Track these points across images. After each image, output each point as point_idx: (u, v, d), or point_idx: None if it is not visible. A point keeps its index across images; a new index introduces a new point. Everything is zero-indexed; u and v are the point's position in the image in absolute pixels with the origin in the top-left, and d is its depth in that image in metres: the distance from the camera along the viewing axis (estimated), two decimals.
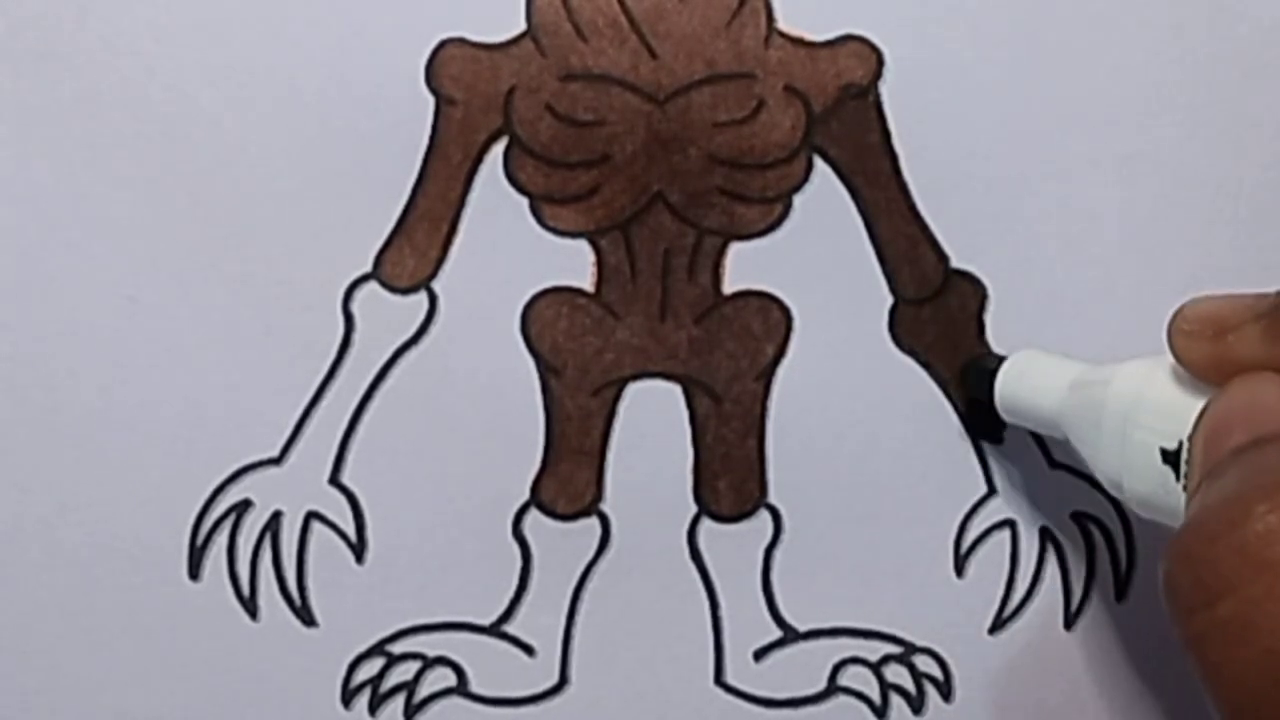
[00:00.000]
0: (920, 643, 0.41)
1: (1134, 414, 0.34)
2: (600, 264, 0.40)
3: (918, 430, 0.41)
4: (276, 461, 0.40)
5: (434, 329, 0.40)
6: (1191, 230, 0.41)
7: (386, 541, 0.40)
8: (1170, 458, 0.33)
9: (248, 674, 0.40)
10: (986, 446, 0.41)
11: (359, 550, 0.40)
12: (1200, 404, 0.32)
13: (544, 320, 0.40)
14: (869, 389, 0.41)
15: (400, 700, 0.40)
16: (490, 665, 0.40)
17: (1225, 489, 0.28)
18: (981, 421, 0.41)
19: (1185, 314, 0.33)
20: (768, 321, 0.41)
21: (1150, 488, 0.33)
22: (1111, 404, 0.35)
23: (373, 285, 0.40)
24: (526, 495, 0.41)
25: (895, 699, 0.41)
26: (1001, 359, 0.40)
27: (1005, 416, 0.39)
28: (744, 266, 0.41)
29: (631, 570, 0.41)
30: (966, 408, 0.41)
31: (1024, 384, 0.39)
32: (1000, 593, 0.41)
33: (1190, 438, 0.32)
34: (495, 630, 0.41)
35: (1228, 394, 0.31)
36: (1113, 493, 0.35)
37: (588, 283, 0.41)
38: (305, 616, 0.40)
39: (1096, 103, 0.41)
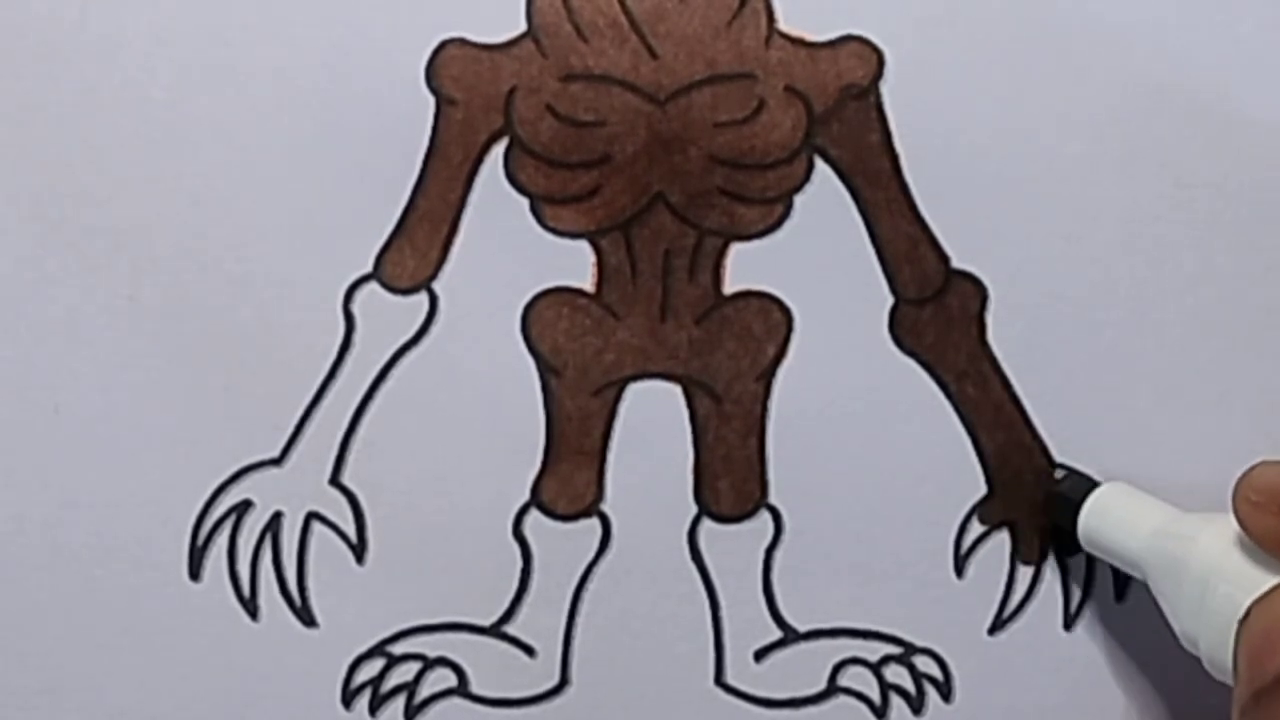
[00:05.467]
0: (920, 643, 0.41)
1: (1214, 580, 0.34)
2: (601, 264, 0.40)
3: (918, 430, 0.41)
4: (277, 462, 0.40)
5: (434, 329, 0.40)
6: (1192, 230, 0.41)
7: (387, 542, 0.40)
8: None
9: (248, 674, 0.40)
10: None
11: (359, 551, 0.40)
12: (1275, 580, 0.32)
13: (544, 321, 0.40)
14: (869, 389, 0.41)
15: (401, 701, 0.40)
16: (491, 666, 0.40)
17: None
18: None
19: (1252, 480, 0.33)
20: (768, 322, 0.41)
21: (1226, 655, 0.33)
22: (1193, 565, 0.35)
23: (373, 286, 0.40)
24: (527, 496, 0.40)
25: (895, 699, 0.41)
26: (1086, 485, 0.39)
27: (1086, 548, 0.39)
28: (745, 267, 0.41)
29: (632, 571, 0.41)
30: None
31: (1107, 521, 0.38)
32: (1000, 593, 0.41)
33: (1237, 636, 0.32)
34: (496, 631, 0.41)
35: (1269, 607, 0.32)
36: (1189, 649, 0.35)
37: (588, 283, 0.40)
38: (305, 617, 0.40)
39: (1096, 103, 0.41)
